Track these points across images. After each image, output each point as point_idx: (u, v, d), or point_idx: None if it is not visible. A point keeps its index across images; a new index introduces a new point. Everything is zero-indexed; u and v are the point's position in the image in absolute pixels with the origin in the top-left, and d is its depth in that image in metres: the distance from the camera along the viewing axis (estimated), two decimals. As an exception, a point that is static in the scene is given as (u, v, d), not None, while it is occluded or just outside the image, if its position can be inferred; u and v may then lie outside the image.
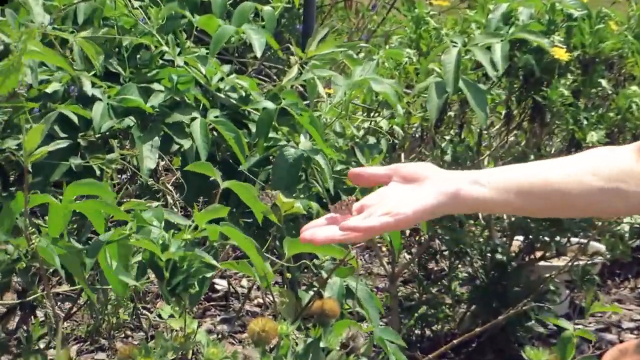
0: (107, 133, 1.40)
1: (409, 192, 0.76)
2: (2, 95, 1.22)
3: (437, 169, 0.79)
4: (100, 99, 1.39)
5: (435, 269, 2.23)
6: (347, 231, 0.74)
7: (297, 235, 1.44)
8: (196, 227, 1.17)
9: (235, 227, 1.19)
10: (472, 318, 2.06)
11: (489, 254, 2.03)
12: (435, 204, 0.75)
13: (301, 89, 1.72)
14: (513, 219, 2.01)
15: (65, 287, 1.53)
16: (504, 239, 2.08)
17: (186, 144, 1.41)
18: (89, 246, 1.14)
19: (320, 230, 0.77)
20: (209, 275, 1.19)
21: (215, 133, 1.47)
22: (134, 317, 2.05)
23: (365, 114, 1.73)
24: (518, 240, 2.09)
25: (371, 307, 1.39)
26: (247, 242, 1.20)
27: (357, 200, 0.79)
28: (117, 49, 1.50)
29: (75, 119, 1.36)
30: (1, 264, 1.13)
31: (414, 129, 1.85)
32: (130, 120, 1.41)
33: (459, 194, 0.76)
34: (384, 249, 2.30)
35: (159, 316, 2.01)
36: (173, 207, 1.61)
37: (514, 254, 2.06)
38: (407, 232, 2.06)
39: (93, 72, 1.42)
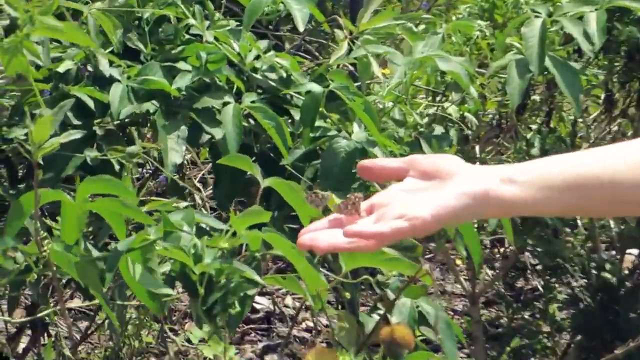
0: (127, 120, 1.45)
1: (428, 190, 0.77)
2: (9, 77, 1.28)
3: (462, 163, 0.79)
4: (119, 80, 1.44)
5: (526, 287, 2.23)
6: (353, 237, 0.75)
7: None
8: (234, 234, 1.20)
9: (281, 234, 1.22)
10: (578, 351, 2.06)
11: (593, 271, 2.03)
12: (459, 206, 0.76)
13: (351, 68, 1.76)
14: (623, 227, 2.02)
15: (78, 302, 1.59)
16: (613, 252, 2.08)
17: (218, 133, 1.44)
18: (107, 254, 1.18)
19: (322, 234, 0.78)
20: (251, 292, 1.22)
21: (251, 121, 1.51)
22: (159, 340, 2.08)
23: (430, 99, 1.75)
24: (631, 254, 2.10)
25: (448, 336, 1.39)
26: (295, 252, 1.22)
27: (368, 198, 0.80)
28: (136, 22, 1.55)
29: (90, 103, 1.41)
30: (9, 274, 1.14)
31: (490, 116, 1.87)
32: (152, 105, 1.46)
33: (487, 194, 0.76)
34: (458, 261, 2.31)
35: (188, 340, 2.07)
36: (202, 208, 1.69)
37: (627, 272, 2.05)
38: (487, 242, 2.08)
39: (110, 49, 1.47)
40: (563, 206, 0.78)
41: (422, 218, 0.75)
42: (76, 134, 1.28)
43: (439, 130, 1.65)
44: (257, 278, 1.18)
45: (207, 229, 1.29)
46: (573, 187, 0.77)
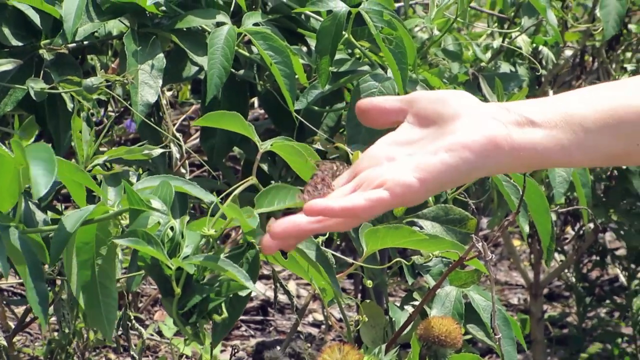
0: (85, 43, 1.41)
1: (421, 142, 0.75)
2: None
3: (470, 102, 0.77)
4: None
5: (604, 278, 2.22)
6: (315, 215, 0.73)
7: (383, 218, 1.47)
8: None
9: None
10: None
11: None
12: (454, 163, 0.74)
13: None
14: None
15: (13, 280, 1.52)
16: None
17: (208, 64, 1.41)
18: (52, 229, 1.13)
19: (286, 218, 0.77)
20: (244, 293, 1.19)
21: (255, 49, 1.47)
22: (121, 332, 2.05)
23: (495, 25, 1.71)
24: None
25: (505, 337, 1.37)
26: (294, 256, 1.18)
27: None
28: None
29: (36, 18, 1.36)
30: None
31: (571, 50, 1.83)
32: (120, 25, 1.42)
33: (497, 144, 0.74)
34: (516, 242, 2.26)
35: (159, 333, 1.97)
36: (181, 167, 1.63)
37: None
38: (555, 218, 2.04)
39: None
40: (601, 152, 0.76)
41: (406, 184, 0.74)
42: (13, 63, 1.27)
43: (505, 67, 1.62)
44: (248, 283, 1.12)
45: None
46: (611, 124, 0.75)
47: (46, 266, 1.20)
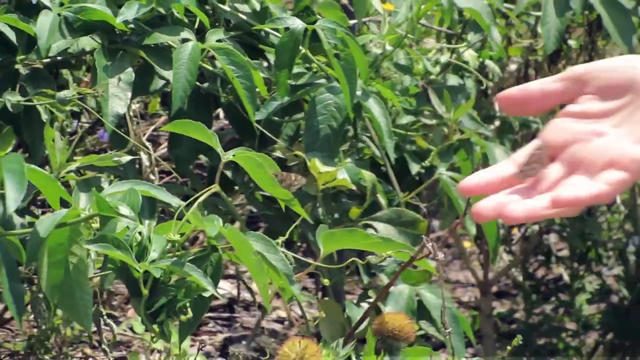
0: (59, 58, 1.43)
1: (624, 114, 0.69)
2: None
3: None
4: (49, 8, 1.42)
5: (549, 276, 2.24)
6: (563, 206, 0.68)
7: (340, 220, 1.52)
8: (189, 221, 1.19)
9: (240, 233, 1.20)
10: (609, 353, 2.09)
11: (632, 257, 2.05)
12: None
13: (345, 1, 1.72)
14: None
15: None
16: None
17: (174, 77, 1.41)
18: (27, 233, 1.16)
19: (510, 199, 0.71)
20: (208, 294, 1.21)
21: (218, 64, 1.48)
22: (95, 328, 2.08)
23: (444, 41, 1.74)
24: None
25: (455, 332, 1.40)
26: (252, 259, 1.20)
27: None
28: None
29: (12, 35, 1.38)
30: None
31: (514, 65, 1.87)
32: (91, 41, 1.44)
33: None
34: (467, 244, 2.32)
35: (131, 329, 2.06)
36: (151, 174, 1.67)
37: None
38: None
39: (38, -32, 1.43)
40: None
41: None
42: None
43: (453, 80, 1.65)
44: (209, 287, 1.16)
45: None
46: None
47: (22, 267, 1.22)
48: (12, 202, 1.12)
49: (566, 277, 2.13)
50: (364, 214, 1.50)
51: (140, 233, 1.17)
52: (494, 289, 2.32)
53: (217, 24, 1.51)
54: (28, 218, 1.27)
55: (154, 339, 1.29)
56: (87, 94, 1.39)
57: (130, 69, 1.42)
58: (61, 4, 1.43)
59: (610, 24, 1.56)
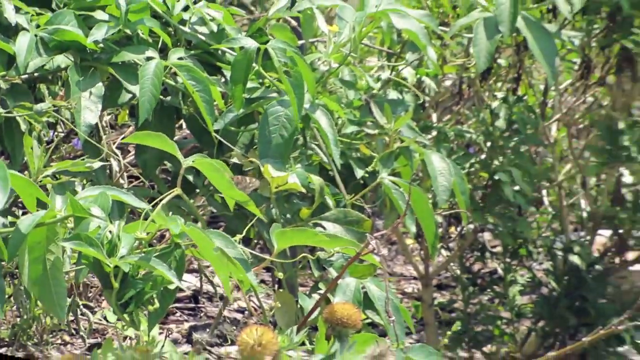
0: (36, 75, 1.50)
1: None
2: None
3: None
4: (27, 29, 1.49)
5: (485, 270, 2.28)
6: None
7: (292, 220, 1.57)
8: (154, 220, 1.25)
9: (203, 231, 1.25)
10: (540, 339, 2.14)
11: (559, 253, 2.11)
12: None
13: (295, 23, 1.81)
14: (596, 205, 2.08)
15: None
16: (582, 233, 2.15)
17: (140, 92, 1.48)
18: (11, 230, 1.22)
19: None
20: (172, 287, 1.28)
21: (180, 80, 1.56)
22: (72, 318, 2.11)
23: (385, 59, 1.80)
24: (602, 236, 2.18)
25: (396, 321, 1.43)
26: (213, 254, 1.26)
27: None
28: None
29: None
30: None
31: (449, 81, 1.94)
32: (65, 59, 1.51)
33: None
34: (409, 240, 2.36)
35: (105, 318, 2.13)
36: (120, 178, 1.71)
37: (597, 255, 2.13)
38: (441, 220, 2.13)
39: (17, -7, 1.50)
40: None
41: None
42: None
43: (393, 95, 1.71)
44: (174, 279, 1.22)
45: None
46: None
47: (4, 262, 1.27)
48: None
49: (500, 271, 2.18)
50: (314, 214, 1.55)
51: (110, 232, 1.25)
52: (435, 281, 2.41)
53: (178, 43, 1.59)
54: (10, 218, 1.32)
55: (125, 327, 1.34)
56: (62, 107, 1.46)
57: (100, 84, 1.49)
58: (37, 26, 1.51)
59: (535, 47, 1.63)
